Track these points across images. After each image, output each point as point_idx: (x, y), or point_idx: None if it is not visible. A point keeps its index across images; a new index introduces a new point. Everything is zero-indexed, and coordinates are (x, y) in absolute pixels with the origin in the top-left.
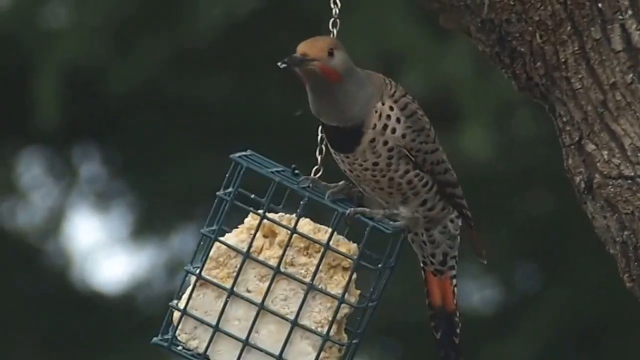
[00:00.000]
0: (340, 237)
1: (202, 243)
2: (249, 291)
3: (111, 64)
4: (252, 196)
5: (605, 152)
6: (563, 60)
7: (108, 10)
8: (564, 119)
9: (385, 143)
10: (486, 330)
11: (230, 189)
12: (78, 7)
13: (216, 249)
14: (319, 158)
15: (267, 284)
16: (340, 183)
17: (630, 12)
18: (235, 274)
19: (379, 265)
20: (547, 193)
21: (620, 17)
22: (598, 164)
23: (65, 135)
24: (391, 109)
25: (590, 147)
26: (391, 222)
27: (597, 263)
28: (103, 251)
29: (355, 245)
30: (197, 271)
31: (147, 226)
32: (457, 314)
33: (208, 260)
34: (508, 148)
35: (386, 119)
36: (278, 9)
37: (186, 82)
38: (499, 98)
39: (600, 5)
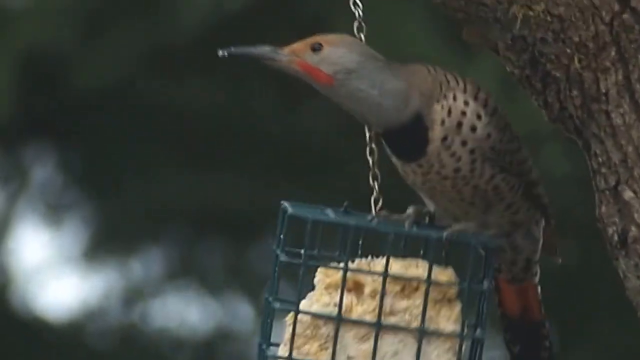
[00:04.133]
0: (434, 266)
1: (270, 316)
2: (350, 357)
3: (77, 55)
4: (302, 251)
5: None
6: (604, 90)
7: None
8: (600, 159)
9: (464, 143)
10: None
11: (300, 249)
12: None
13: (299, 322)
14: (374, 185)
15: (369, 343)
16: (410, 210)
17: None
18: (329, 344)
19: (485, 285)
20: (573, 243)
21: None
22: (635, 215)
23: (18, 132)
24: (466, 104)
25: (628, 194)
26: (487, 234)
27: (624, 329)
28: (51, 271)
29: (451, 270)
30: (287, 354)
31: (104, 246)
32: (546, 324)
33: (294, 338)
34: None
35: (460, 116)
36: (275, 4)
37: (164, 82)
38: (526, 128)
39: None
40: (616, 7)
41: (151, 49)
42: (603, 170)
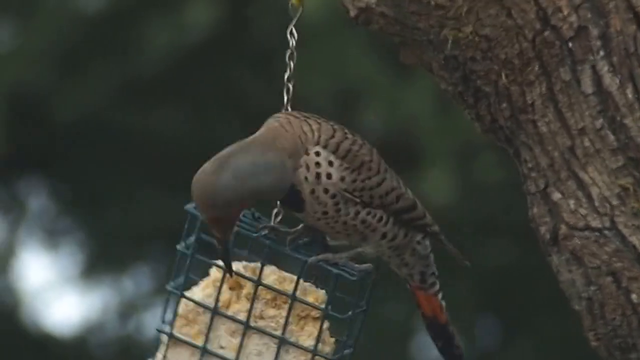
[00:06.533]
0: (308, 284)
1: (169, 298)
2: (222, 347)
3: (57, 91)
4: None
5: (571, 202)
6: (530, 102)
7: (55, 34)
8: (529, 165)
9: (326, 191)
10: None
11: (190, 238)
12: (23, 31)
13: (184, 305)
14: (278, 203)
15: (239, 339)
16: (300, 227)
17: (602, 53)
18: (206, 330)
19: (350, 313)
20: (510, 242)
21: (592, 58)
22: (564, 214)
23: (10, 166)
24: (318, 154)
25: (556, 195)
26: (357, 265)
27: (561, 319)
28: (54, 291)
29: (323, 292)
30: (169, 330)
31: (98, 266)
32: (450, 327)
33: (177, 318)
34: (470, 193)
35: (316, 167)
36: (231, 39)
37: (138, 112)
38: (462, 140)
39: (570, 44)
40: (538, 26)
41: (122, 83)
42: (533, 174)
